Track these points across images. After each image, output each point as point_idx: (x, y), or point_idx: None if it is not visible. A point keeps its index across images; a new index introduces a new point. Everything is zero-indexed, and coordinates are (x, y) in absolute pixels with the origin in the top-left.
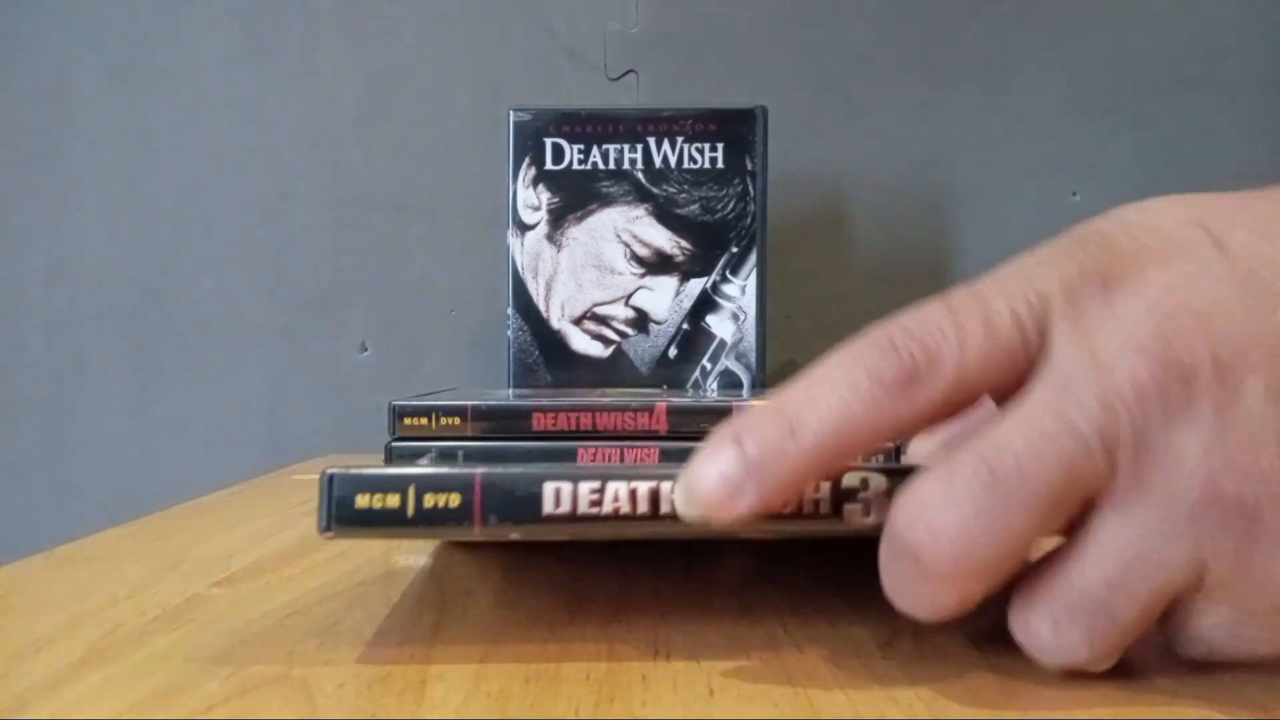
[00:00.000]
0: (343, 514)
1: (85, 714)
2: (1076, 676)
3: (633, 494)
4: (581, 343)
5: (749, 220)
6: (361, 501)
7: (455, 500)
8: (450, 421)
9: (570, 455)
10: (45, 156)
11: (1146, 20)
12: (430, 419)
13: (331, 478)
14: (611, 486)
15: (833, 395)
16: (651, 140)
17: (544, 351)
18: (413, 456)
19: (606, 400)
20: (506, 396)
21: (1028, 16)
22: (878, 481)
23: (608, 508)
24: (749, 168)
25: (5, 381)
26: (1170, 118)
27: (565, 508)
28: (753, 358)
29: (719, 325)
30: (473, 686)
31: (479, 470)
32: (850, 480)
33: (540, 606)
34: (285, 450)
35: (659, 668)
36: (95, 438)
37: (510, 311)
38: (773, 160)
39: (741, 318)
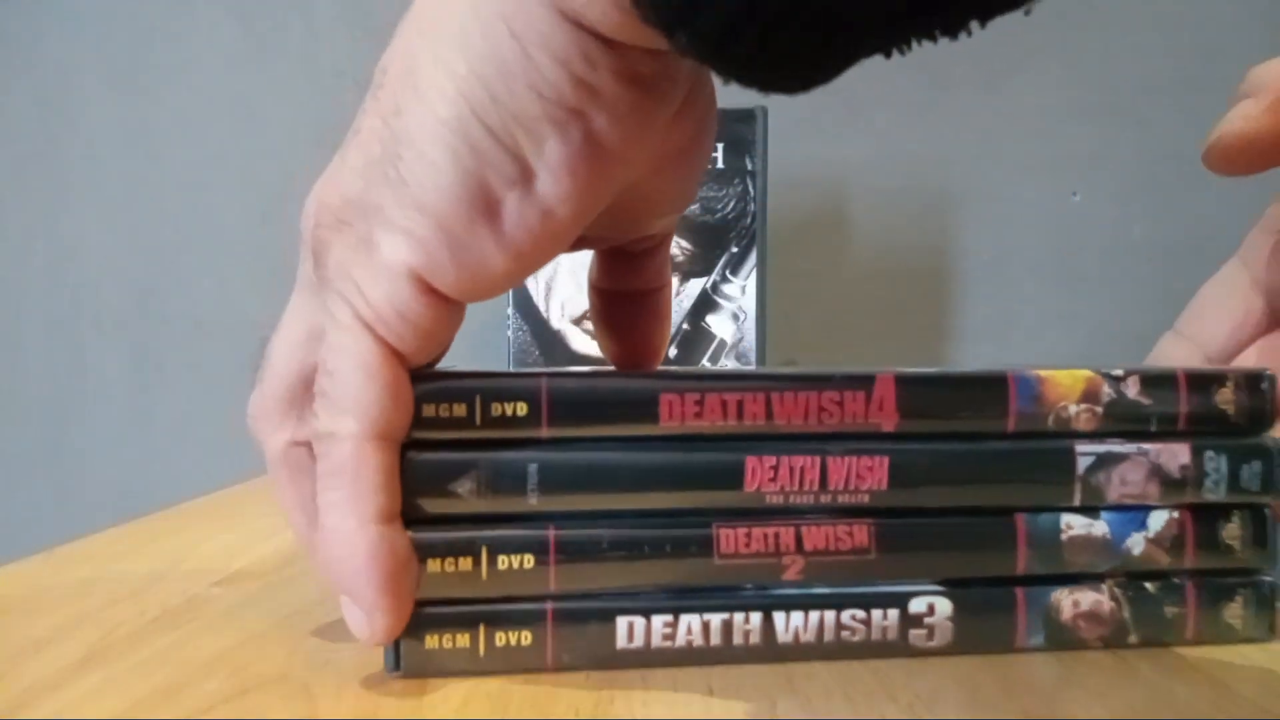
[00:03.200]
0: (412, 655)
1: (85, 714)
2: (1075, 677)
3: (705, 626)
4: (581, 343)
5: (749, 220)
6: (431, 642)
7: (527, 638)
8: (511, 412)
9: (731, 475)
10: (45, 156)
11: (1146, 20)
12: (472, 408)
13: None
14: (685, 619)
15: None
16: None
17: (544, 351)
18: (443, 479)
19: (788, 374)
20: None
21: (1028, 17)
22: (945, 606)
23: (681, 640)
24: (749, 168)
25: (5, 381)
26: (1170, 118)
27: (639, 642)
28: (753, 358)
29: (719, 325)
30: (473, 686)
31: (549, 605)
32: (917, 606)
33: None
34: None
35: (659, 668)
36: (95, 438)
37: (510, 311)
38: (773, 160)
39: (741, 318)
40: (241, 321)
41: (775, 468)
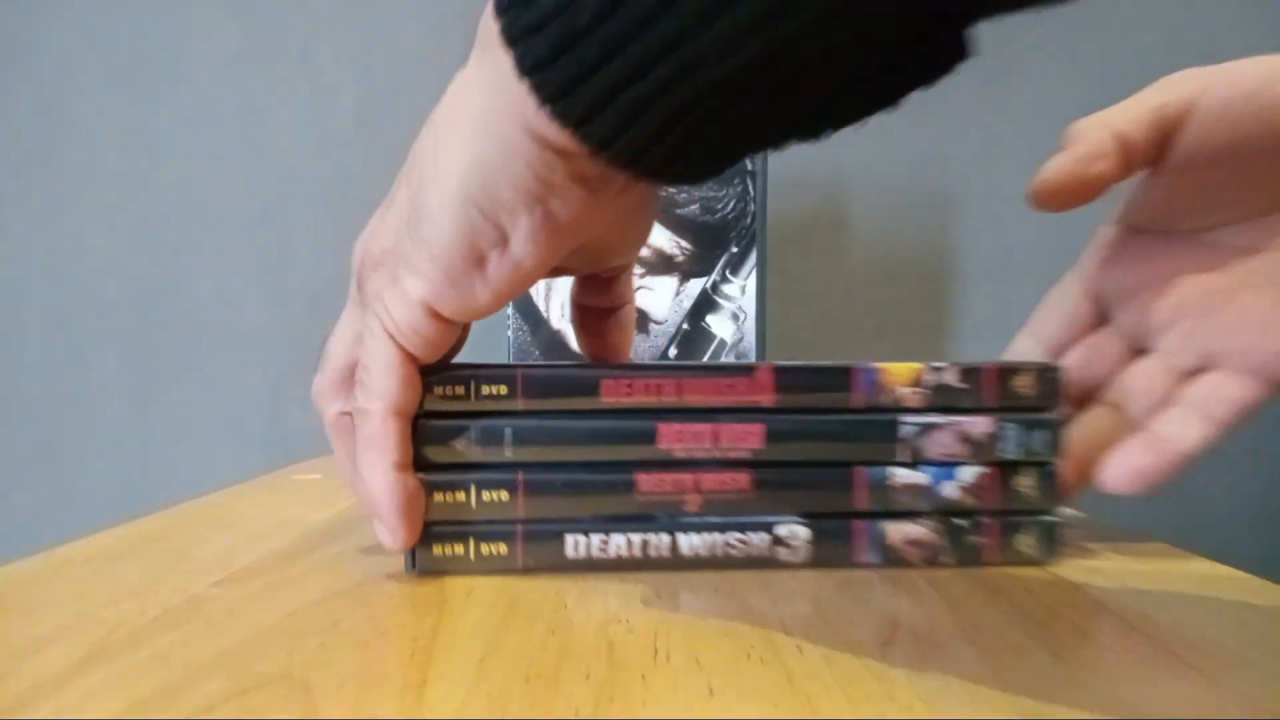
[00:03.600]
0: (425, 559)
1: (85, 714)
2: (1077, 678)
3: (628, 542)
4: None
5: (749, 220)
6: (439, 550)
7: (503, 549)
8: (495, 391)
9: (649, 436)
10: (45, 156)
11: (1146, 20)
12: (468, 389)
13: None
14: (614, 538)
15: None
16: None
17: (544, 351)
18: (446, 438)
19: (696, 365)
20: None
21: (1028, 17)
22: (804, 532)
23: (612, 553)
24: (749, 168)
25: (5, 381)
26: None
27: (582, 554)
28: (753, 357)
29: (719, 325)
30: (473, 686)
31: (520, 526)
32: (782, 531)
33: (540, 606)
34: (285, 450)
35: (659, 668)
36: (95, 438)
37: (511, 312)
38: (773, 160)
39: (741, 318)
40: (241, 321)
41: (681, 432)
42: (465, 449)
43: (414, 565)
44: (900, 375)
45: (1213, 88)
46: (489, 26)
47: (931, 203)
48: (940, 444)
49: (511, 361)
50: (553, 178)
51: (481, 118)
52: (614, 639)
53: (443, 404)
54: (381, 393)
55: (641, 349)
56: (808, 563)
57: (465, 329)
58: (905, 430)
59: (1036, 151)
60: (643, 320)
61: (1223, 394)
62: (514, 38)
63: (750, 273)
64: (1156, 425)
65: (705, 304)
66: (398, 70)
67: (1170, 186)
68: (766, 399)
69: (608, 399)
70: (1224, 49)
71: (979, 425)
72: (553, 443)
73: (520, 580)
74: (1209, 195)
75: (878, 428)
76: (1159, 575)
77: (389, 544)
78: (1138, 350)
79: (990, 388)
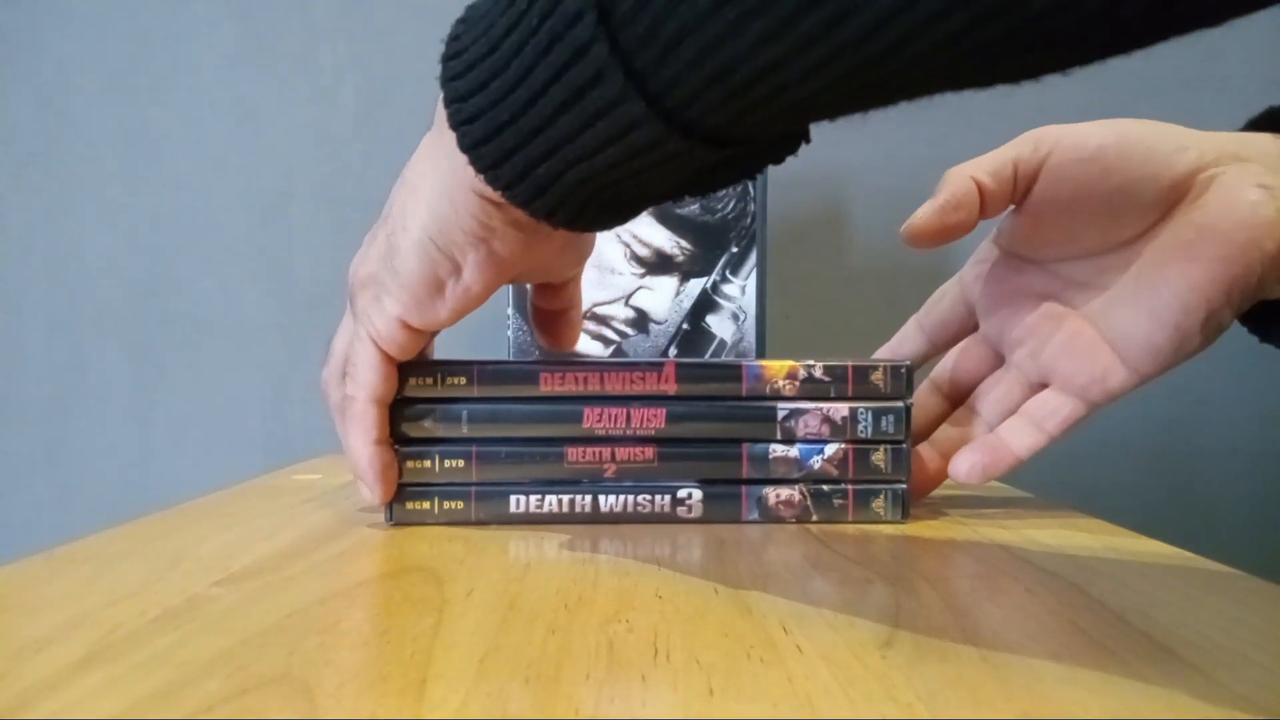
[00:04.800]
0: (399, 512)
1: (85, 714)
2: (1077, 677)
3: (559, 501)
4: (581, 343)
5: (749, 220)
6: (410, 505)
7: (460, 505)
8: (456, 382)
9: (576, 417)
10: (45, 156)
11: None
12: (436, 380)
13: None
14: (548, 497)
15: None
16: None
17: (544, 351)
18: (418, 417)
19: (615, 360)
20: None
21: None
22: (698, 494)
23: (546, 510)
24: None
25: (5, 381)
26: (1170, 118)
27: (523, 509)
28: (753, 357)
29: (719, 325)
30: (473, 686)
31: (473, 488)
32: (682, 494)
33: (540, 606)
34: (285, 450)
35: (659, 668)
36: (95, 438)
37: (510, 311)
38: None
39: (741, 318)
40: (241, 321)
41: (602, 414)
42: (432, 426)
43: (391, 518)
44: (778, 370)
45: (1061, 147)
46: (441, 112)
47: None
48: (809, 425)
49: (510, 357)
50: (492, 223)
51: (438, 179)
52: (614, 639)
53: (416, 391)
54: (364, 384)
55: (642, 348)
56: (701, 519)
57: (425, 338)
58: (781, 414)
59: None
60: (643, 320)
61: (1052, 409)
62: (456, 125)
63: (750, 273)
64: (1000, 429)
65: (705, 304)
66: (398, 70)
67: (1027, 224)
68: (670, 388)
69: (544, 387)
70: (1225, 49)
71: (840, 411)
72: (500, 422)
73: (520, 580)
74: (1057, 234)
75: (759, 412)
76: (1159, 574)
77: (370, 500)
78: (1000, 355)
79: (850, 381)
